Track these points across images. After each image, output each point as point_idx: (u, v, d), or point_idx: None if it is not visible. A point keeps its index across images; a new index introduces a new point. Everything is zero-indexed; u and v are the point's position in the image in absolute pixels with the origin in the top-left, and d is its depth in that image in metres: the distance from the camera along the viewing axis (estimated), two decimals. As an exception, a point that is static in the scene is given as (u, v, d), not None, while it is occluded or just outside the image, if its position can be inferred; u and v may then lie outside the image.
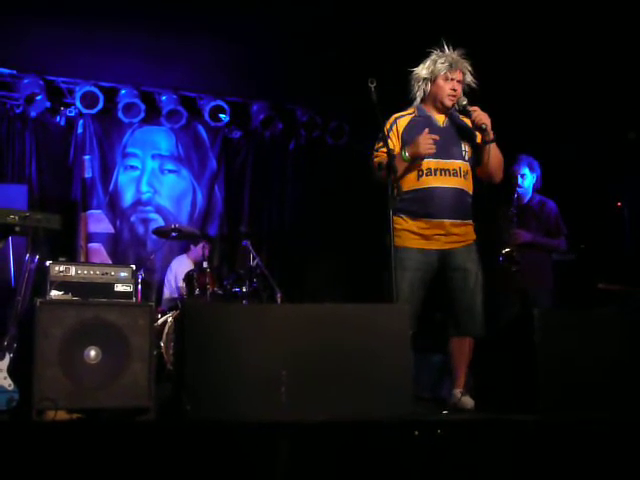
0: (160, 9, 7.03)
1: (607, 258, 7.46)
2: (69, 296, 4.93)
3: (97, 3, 6.93)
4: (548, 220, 6.37)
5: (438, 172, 4.79)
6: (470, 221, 4.93)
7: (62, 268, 5.08)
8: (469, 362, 4.91)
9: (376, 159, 4.82)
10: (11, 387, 4.46)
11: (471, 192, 4.94)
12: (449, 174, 4.81)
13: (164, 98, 8.92)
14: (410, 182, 4.76)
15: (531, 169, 6.40)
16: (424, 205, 4.77)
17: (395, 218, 4.69)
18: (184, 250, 8.57)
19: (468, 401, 4.75)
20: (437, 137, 4.74)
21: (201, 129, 9.36)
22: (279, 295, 7.40)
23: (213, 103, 9.03)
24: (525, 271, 6.05)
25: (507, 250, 6.00)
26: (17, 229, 4.91)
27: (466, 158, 4.88)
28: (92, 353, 4.17)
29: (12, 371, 4.53)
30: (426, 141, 4.70)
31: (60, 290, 4.92)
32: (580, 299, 6.61)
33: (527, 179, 6.40)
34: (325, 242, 9.24)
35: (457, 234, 4.84)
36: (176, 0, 6.90)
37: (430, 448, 3.48)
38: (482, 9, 6.74)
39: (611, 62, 7.22)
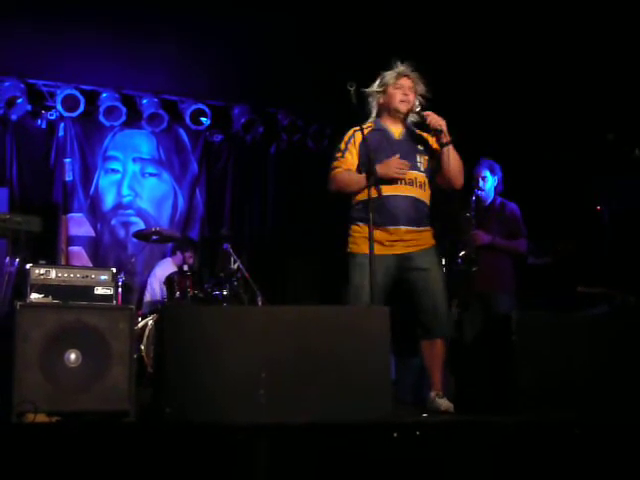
0: (141, 13, 7.03)
1: (587, 261, 7.50)
2: (49, 299, 4.90)
3: (79, 7, 6.92)
4: (510, 221, 6.35)
5: (393, 181, 4.83)
6: (428, 227, 4.97)
7: (42, 271, 5.04)
8: (443, 363, 4.91)
9: (338, 169, 4.95)
10: (-10, 390, 4.44)
11: (428, 202, 4.98)
12: (404, 183, 4.85)
13: (145, 101, 8.91)
14: (365, 191, 4.73)
15: (492, 172, 6.40)
16: (379, 214, 4.75)
17: (352, 226, 4.92)
18: (171, 253, 8.58)
19: (444, 403, 4.75)
20: (409, 164, 4.80)
21: (182, 132, 9.35)
22: (260, 298, 7.40)
23: (194, 106, 9.02)
24: (485, 273, 6.06)
25: (465, 252, 6.01)
26: (-3, 231, 4.89)
27: (422, 169, 4.94)
28: (72, 356, 4.17)
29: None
30: (398, 165, 4.77)
31: (40, 293, 4.88)
32: (558, 302, 6.63)
33: (488, 181, 6.38)
34: (306, 245, 9.24)
35: (414, 239, 4.87)
36: (157, 4, 6.91)
37: (409, 450, 3.49)
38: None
39: (591, 65, 7.27)
